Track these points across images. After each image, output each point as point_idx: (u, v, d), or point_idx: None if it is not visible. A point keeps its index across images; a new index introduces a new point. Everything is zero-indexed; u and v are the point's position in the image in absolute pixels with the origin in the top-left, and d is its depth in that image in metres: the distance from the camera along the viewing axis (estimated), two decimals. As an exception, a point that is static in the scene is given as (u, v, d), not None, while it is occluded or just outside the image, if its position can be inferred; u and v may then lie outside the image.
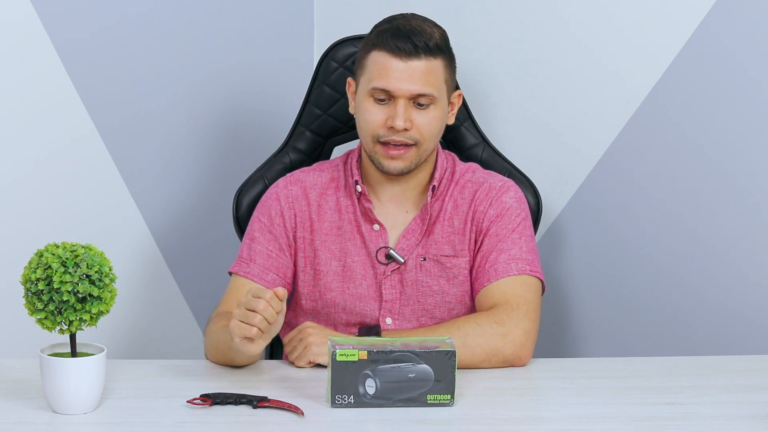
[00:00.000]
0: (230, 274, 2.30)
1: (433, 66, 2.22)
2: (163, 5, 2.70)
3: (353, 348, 1.90)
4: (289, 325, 2.37)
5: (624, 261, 2.66)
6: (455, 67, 2.30)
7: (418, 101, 2.21)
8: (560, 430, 1.86)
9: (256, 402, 1.90)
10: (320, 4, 2.96)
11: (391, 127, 2.21)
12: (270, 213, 2.32)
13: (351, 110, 2.31)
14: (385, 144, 2.23)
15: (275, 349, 2.54)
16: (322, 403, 1.93)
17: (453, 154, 2.40)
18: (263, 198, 2.35)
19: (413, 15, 2.27)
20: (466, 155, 2.51)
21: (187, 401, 1.90)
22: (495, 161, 2.51)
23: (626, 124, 2.60)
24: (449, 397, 1.92)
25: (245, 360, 2.11)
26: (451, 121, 2.32)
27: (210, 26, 2.80)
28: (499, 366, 2.14)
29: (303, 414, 1.87)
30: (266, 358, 2.55)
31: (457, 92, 2.32)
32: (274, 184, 2.36)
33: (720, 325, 2.54)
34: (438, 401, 1.92)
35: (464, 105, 2.54)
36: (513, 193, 2.31)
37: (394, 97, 2.21)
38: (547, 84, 2.70)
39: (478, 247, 2.28)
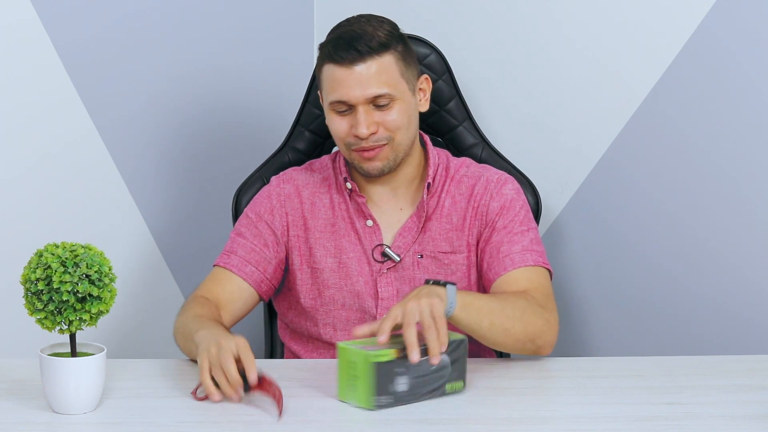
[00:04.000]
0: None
1: (382, 64, 2.20)
2: (163, 5, 2.70)
3: (383, 348, 1.89)
4: (289, 326, 2.37)
5: (624, 261, 2.66)
6: (413, 55, 2.26)
7: (376, 103, 2.20)
8: (560, 430, 1.86)
9: (249, 387, 1.90)
10: (320, 4, 2.96)
11: (357, 135, 2.20)
12: (258, 210, 2.31)
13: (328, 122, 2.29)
14: (359, 150, 2.23)
15: (275, 349, 2.54)
16: (323, 403, 1.92)
17: (445, 150, 2.39)
18: (256, 196, 2.35)
19: (359, 17, 2.24)
20: (465, 155, 2.50)
21: (192, 392, 1.93)
22: (495, 161, 2.51)
23: (626, 124, 2.60)
24: (462, 383, 1.96)
25: None
26: (424, 108, 2.29)
27: (210, 26, 2.80)
28: (530, 352, 2.14)
29: (281, 416, 1.85)
30: (266, 358, 2.55)
31: (423, 77, 2.29)
32: (269, 182, 2.37)
33: (720, 325, 2.54)
34: (454, 390, 1.95)
35: (464, 105, 2.53)
36: (511, 185, 2.31)
37: (353, 105, 2.20)
38: (546, 84, 2.70)
39: (485, 239, 2.27)
